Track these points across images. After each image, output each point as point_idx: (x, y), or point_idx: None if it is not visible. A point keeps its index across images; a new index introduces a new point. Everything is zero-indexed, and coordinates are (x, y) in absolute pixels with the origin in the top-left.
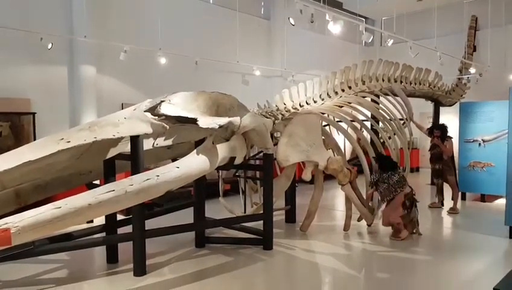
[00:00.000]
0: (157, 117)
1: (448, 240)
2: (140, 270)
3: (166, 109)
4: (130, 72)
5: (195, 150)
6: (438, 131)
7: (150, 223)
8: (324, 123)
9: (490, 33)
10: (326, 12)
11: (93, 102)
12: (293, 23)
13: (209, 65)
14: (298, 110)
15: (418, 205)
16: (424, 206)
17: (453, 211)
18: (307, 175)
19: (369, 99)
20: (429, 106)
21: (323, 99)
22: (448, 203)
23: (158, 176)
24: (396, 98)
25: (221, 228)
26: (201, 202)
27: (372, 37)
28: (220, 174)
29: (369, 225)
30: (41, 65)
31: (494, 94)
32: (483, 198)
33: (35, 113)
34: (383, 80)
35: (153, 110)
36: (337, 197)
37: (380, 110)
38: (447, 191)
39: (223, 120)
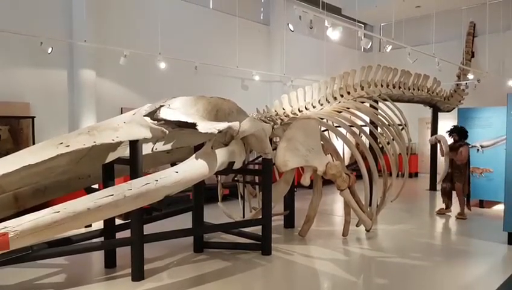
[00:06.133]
0: (156, 122)
1: (446, 245)
2: (138, 275)
3: (165, 114)
4: (129, 77)
5: (194, 155)
6: (455, 134)
7: (149, 228)
8: (323, 128)
9: (488, 39)
10: (325, 18)
11: (92, 106)
12: (292, 29)
13: (209, 70)
14: (297, 115)
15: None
16: (426, 212)
17: (460, 216)
18: (305, 180)
19: (367, 104)
20: (428, 112)
21: (322, 105)
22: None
23: (157, 180)
24: (395, 103)
25: (220, 233)
26: (200, 207)
27: (370, 43)
28: (219, 178)
29: (367, 231)
30: (41, 69)
31: (492, 100)
32: (481, 204)
33: (35, 117)
34: (382, 86)
35: (152, 114)
36: (336, 202)
37: (379, 116)
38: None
39: (222, 125)
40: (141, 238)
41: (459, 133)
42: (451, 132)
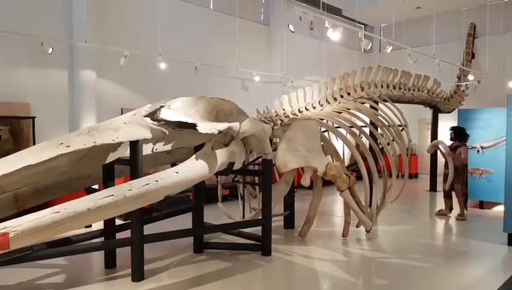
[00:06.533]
0: (156, 122)
1: (446, 246)
2: (138, 275)
3: (165, 114)
4: (130, 77)
5: (194, 155)
6: (452, 132)
7: (149, 228)
8: (323, 129)
9: (488, 40)
10: (326, 19)
11: (92, 107)
12: (293, 30)
13: (209, 70)
14: (297, 116)
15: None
16: (426, 213)
17: (460, 217)
18: (305, 181)
19: (368, 105)
20: (428, 113)
21: (322, 105)
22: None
23: (157, 181)
24: (395, 104)
25: (220, 234)
26: (200, 207)
27: (371, 44)
28: (219, 179)
29: (367, 231)
30: (41, 69)
31: (493, 101)
32: (481, 205)
33: (35, 117)
34: (382, 87)
35: (152, 115)
36: (336, 203)
37: (379, 117)
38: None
39: (223, 125)
40: (141, 238)
41: (456, 132)
42: (451, 129)
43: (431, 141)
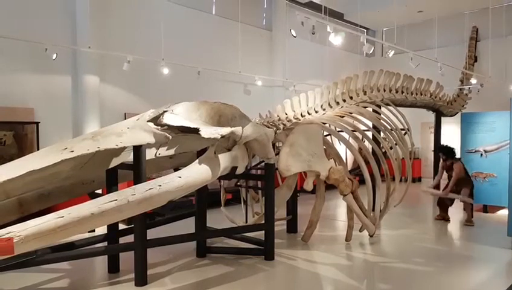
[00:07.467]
0: (159, 127)
1: (450, 250)
2: (141, 280)
3: (168, 119)
4: (133, 82)
5: (197, 160)
6: (442, 154)
7: (152, 233)
8: (325, 133)
9: (491, 44)
10: (328, 24)
11: (96, 112)
12: (295, 35)
13: (212, 75)
14: (300, 120)
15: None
16: (430, 217)
17: (468, 222)
18: (308, 185)
19: (370, 109)
20: (431, 116)
21: (324, 109)
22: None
23: (160, 185)
24: (398, 108)
25: (223, 238)
26: (203, 212)
27: (373, 48)
28: (222, 183)
29: (371, 236)
30: (45, 75)
31: (496, 104)
32: (485, 209)
33: (39, 122)
34: (384, 91)
35: (155, 120)
36: (339, 207)
37: (381, 121)
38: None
39: (225, 130)
40: (144, 243)
41: (445, 153)
42: (439, 150)
43: (434, 144)
